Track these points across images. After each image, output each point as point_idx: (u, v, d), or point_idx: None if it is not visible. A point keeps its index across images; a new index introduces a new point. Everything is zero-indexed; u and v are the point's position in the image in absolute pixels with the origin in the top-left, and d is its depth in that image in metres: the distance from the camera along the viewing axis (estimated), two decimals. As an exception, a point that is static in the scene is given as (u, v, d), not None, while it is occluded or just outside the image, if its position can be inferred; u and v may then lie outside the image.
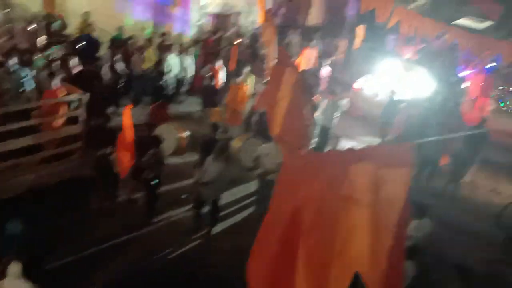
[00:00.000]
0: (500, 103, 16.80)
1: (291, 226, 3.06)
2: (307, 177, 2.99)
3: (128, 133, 7.52)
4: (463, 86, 15.99)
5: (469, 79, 16.77)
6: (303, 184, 3.01)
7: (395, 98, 12.18)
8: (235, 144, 10.52)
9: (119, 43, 12.98)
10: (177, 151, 9.96)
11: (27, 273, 5.36)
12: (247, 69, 12.34)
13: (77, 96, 8.22)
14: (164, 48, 13.25)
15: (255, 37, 15.54)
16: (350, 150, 2.87)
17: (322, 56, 16.04)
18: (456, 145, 10.45)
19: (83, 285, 6.73)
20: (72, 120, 8.64)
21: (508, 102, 16.84)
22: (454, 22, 20.99)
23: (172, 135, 9.86)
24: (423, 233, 7.38)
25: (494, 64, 17.14)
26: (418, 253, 6.66)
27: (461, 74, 16.71)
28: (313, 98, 10.73)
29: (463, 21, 22.20)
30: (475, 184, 11.57)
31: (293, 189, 3.10)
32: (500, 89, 17.68)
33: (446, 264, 8.28)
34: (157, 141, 8.34)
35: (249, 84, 12.06)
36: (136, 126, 8.31)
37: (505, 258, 9.18)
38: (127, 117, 7.51)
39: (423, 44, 18.41)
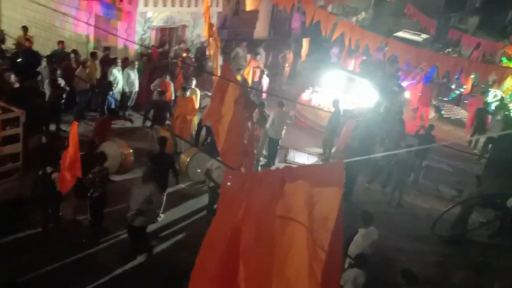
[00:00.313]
0: (441, 111, 17.59)
1: (231, 248, 3.05)
2: (246, 196, 3.00)
3: (74, 151, 7.26)
4: (404, 96, 16.63)
5: (409, 89, 17.48)
6: (242, 203, 3.01)
7: (340, 109, 12.48)
8: (184, 158, 10.43)
9: (60, 58, 12.60)
10: (122, 168, 9.70)
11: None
12: (193, 83, 12.29)
13: (15, 114, 7.88)
14: (108, 62, 12.98)
15: (201, 51, 15.53)
16: (286, 168, 2.91)
17: (268, 68, 16.25)
18: (401, 153, 10.83)
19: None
20: (10, 139, 8.28)
21: (443, 112, 17.65)
22: (394, 35, 21.89)
23: (116, 152, 9.61)
24: (370, 241, 7.56)
25: (431, 75, 17.97)
26: (365, 261, 6.81)
27: (401, 85, 17.38)
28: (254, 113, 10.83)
29: (402, 34, 23.20)
30: (420, 190, 12.01)
31: (232, 209, 3.10)
32: (439, 98, 18.54)
33: (394, 270, 8.50)
34: (101, 158, 8.13)
35: (196, 98, 12.00)
36: (79, 143, 8.07)
37: (447, 261, 9.57)
38: (73, 135, 7.27)
39: (364, 56, 19.04)
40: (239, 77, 13.46)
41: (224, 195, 3.35)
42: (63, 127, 11.54)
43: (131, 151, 10.05)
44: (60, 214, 8.31)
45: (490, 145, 14.06)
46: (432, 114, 16.57)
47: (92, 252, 7.91)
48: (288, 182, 2.79)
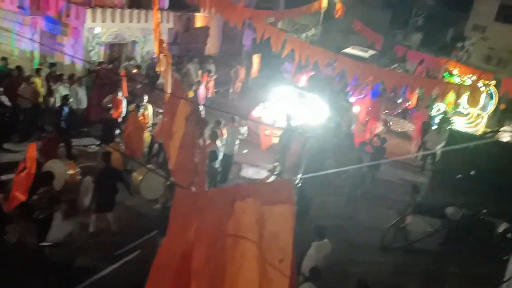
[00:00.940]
0: (389, 124, 18.12)
1: (182, 267, 2.99)
2: (196, 215, 2.96)
3: (30, 173, 6.98)
4: (353, 110, 17.04)
5: (357, 104, 17.95)
6: (192, 222, 2.97)
7: (292, 124, 12.62)
8: (136, 176, 10.19)
9: (3, 75, 12.10)
10: (67, 188, 9.34)
11: None
12: (145, 99, 12.11)
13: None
14: (54, 79, 12.58)
15: (151, 67, 15.36)
16: (236, 186, 2.89)
17: (220, 84, 16.27)
18: (351, 166, 11.04)
19: None
20: None
21: (390, 124, 18.18)
22: (342, 51, 22.50)
23: (62, 171, 9.27)
24: (323, 253, 7.62)
25: (377, 89, 18.55)
26: (319, 274, 6.85)
27: (350, 100, 17.83)
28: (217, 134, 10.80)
29: (350, 50, 23.88)
30: (371, 202, 12.25)
31: (183, 228, 3.04)
32: (386, 112, 19.12)
33: (347, 281, 8.60)
34: (48, 178, 7.81)
35: (147, 114, 11.81)
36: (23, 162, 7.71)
37: (399, 270, 9.79)
38: (31, 157, 6.97)
39: (313, 72, 19.42)
40: (191, 94, 13.39)
41: (175, 214, 3.29)
42: (6, 146, 11.05)
43: (78, 170, 9.73)
44: (4, 236, 7.88)
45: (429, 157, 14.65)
46: (380, 127, 17.04)
47: (36, 275, 7.53)
48: (239, 200, 2.77)
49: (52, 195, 7.73)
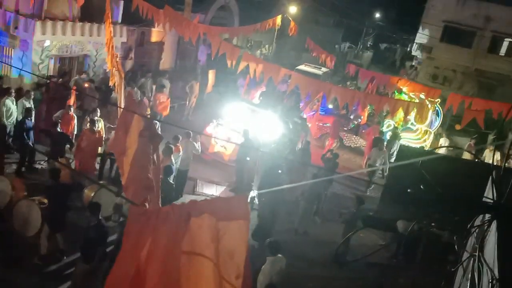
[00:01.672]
0: (342, 140, 18.50)
1: (137, 283, 2.92)
2: (150, 232, 2.90)
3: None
4: (306, 126, 17.31)
5: (309, 120, 18.29)
6: (146, 240, 2.91)
7: (245, 141, 12.67)
8: (88, 193, 9.88)
9: None
10: (11, 205, 8.93)
11: None
12: (97, 114, 11.83)
13: None
14: (0, 93, 12.09)
15: (104, 82, 15.07)
16: (191, 203, 2.88)
17: (175, 99, 16.16)
18: (308, 183, 11.18)
19: None
20: None
21: (343, 140, 18.59)
22: (296, 68, 22.89)
23: (7, 188, 8.88)
24: (278, 268, 7.63)
25: (330, 106, 18.97)
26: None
27: (304, 116, 18.12)
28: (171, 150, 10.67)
29: (304, 67, 24.34)
30: (324, 217, 12.41)
31: (136, 245, 2.98)
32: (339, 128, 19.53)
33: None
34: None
35: (100, 129, 11.54)
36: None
37: (351, 284, 9.93)
38: None
39: (264, 88, 19.64)
40: (148, 111, 13.22)
41: (128, 231, 3.20)
42: None
43: (24, 186, 9.35)
44: None
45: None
46: (334, 143, 17.40)
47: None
48: (194, 216, 2.75)
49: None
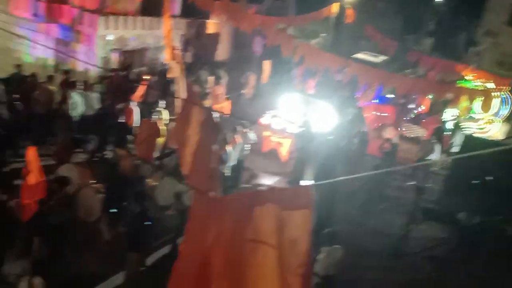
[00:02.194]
0: (401, 130, 18.04)
1: (202, 272, 3.02)
2: (215, 220, 2.99)
3: (36, 175, 7.01)
4: (363, 117, 17.00)
5: (367, 109, 17.93)
6: (211, 228, 3.00)
7: (306, 131, 12.63)
8: (150, 182, 10.25)
9: (18, 81, 12.28)
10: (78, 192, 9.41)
11: None
12: (159, 105, 12.20)
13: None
14: (67, 86, 12.73)
15: (163, 74, 15.47)
16: (255, 192, 2.94)
17: (231, 91, 16.34)
18: (366, 174, 11.02)
19: None
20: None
21: (404, 129, 18.10)
22: (352, 56, 22.45)
23: (74, 176, 9.33)
24: (334, 259, 7.60)
25: (391, 95, 18.48)
26: (331, 281, 6.82)
27: (361, 106, 17.79)
28: (229, 140, 10.81)
29: (361, 56, 23.83)
30: (383, 207, 12.17)
31: (201, 233, 3.07)
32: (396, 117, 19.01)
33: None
34: (63, 182, 7.87)
35: (161, 120, 11.90)
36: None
37: (411, 277, 9.71)
38: (32, 160, 7.01)
39: (320, 78, 19.42)
40: (207, 103, 13.47)
41: (192, 219, 3.32)
42: (21, 151, 11.17)
43: (89, 175, 9.81)
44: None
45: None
46: (392, 132, 17.00)
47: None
48: (258, 205, 2.80)
49: (67, 200, 7.81)
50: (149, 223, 7.47)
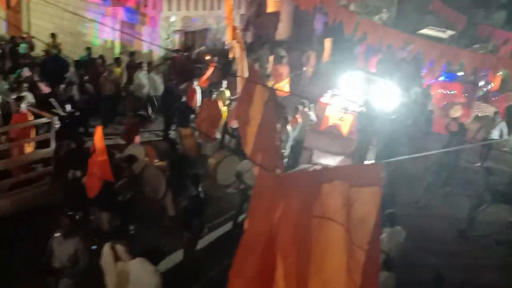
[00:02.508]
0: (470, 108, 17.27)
1: (268, 247, 3.08)
2: (281, 197, 3.03)
3: (101, 155, 7.35)
4: (429, 95, 16.39)
5: (435, 88, 17.25)
6: (277, 204, 3.04)
7: (368, 110, 12.37)
8: (212, 161, 10.48)
9: (87, 64, 12.86)
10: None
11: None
12: (221, 85, 12.38)
13: (46, 119, 8.07)
14: (133, 67, 13.18)
15: (224, 54, 15.63)
16: (323, 169, 2.94)
17: (291, 70, 16.25)
18: (435, 154, 10.69)
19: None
20: (41, 144, 8.50)
21: (472, 107, 17.30)
22: (418, 32, 21.58)
23: (141, 154, 9.72)
24: (396, 241, 7.48)
25: (461, 73, 17.66)
26: (394, 263, 6.71)
27: (426, 83, 17.16)
28: (290, 120, 10.79)
29: (427, 31, 22.84)
30: (448, 189, 11.79)
31: (268, 210, 3.13)
32: (466, 95, 18.18)
33: (423, 272, 8.39)
34: (131, 160, 8.23)
35: (223, 100, 12.07)
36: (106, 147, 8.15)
37: (476, 262, 9.39)
38: (99, 139, 7.37)
39: (382, 55, 18.84)
40: (270, 84, 13.46)
41: (257, 196, 3.38)
42: (91, 131, 11.75)
43: (156, 153, 10.17)
44: (90, 218, 8.43)
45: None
46: (459, 111, 16.32)
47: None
48: (325, 182, 2.82)
49: (134, 177, 8.17)
50: (207, 202, 7.65)
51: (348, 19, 15.31)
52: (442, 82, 17.37)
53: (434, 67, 17.35)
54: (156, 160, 10.03)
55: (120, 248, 5.88)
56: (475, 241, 9.97)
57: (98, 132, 7.39)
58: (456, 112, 16.46)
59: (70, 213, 6.26)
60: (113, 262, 5.78)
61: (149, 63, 13.32)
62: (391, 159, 3.24)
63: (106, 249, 5.93)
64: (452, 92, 17.02)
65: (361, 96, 13.70)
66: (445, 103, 16.90)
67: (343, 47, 21.24)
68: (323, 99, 14.45)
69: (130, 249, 5.96)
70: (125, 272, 5.76)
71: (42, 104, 9.86)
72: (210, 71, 13.66)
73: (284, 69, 15.35)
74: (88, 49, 13.78)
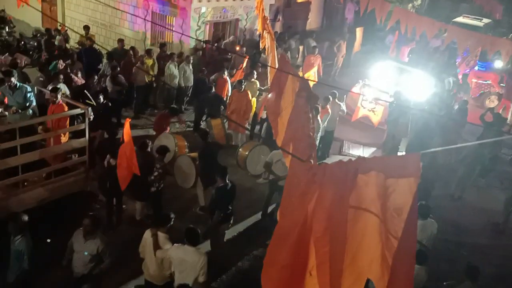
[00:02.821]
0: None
1: (302, 237, 3.10)
2: (315, 187, 3.03)
3: (129, 147, 7.48)
4: (464, 85, 16.03)
5: (470, 77, 16.83)
6: (311, 194, 3.05)
7: (401, 101, 12.17)
8: (242, 152, 10.54)
9: (120, 55, 13.05)
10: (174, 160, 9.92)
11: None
12: (251, 76, 12.39)
13: (81, 110, 8.26)
14: (164, 58, 13.30)
15: (254, 45, 15.61)
16: (358, 160, 2.92)
17: (322, 60, 16.10)
18: (470, 146, 10.46)
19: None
20: (76, 134, 8.72)
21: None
22: (453, 20, 21.04)
23: (172, 144, 9.85)
24: (428, 233, 7.39)
25: (495, 62, 17.15)
26: (426, 257, 6.61)
27: (461, 73, 16.75)
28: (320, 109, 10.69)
29: (461, 19, 22.24)
30: (484, 181, 11.52)
31: (301, 200, 3.14)
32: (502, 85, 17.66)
33: (456, 264, 8.27)
34: (163, 151, 8.35)
35: (252, 91, 12.08)
36: (138, 138, 8.27)
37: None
38: (127, 131, 7.50)
39: (415, 44, 18.45)
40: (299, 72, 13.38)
41: (290, 187, 3.38)
42: (123, 122, 11.95)
43: (186, 143, 10.29)
44: (123, 206, 8.62)
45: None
46: (495, 102, 15.90)
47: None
48: (361, 173, 2.80)
49: (165, 168, 8.28)
50: (235, 192, 7.69)
51: (380, 7, 14.97)
52: (477, 72, 16.94)
53: (469, 56, 16.91)
54: (187, 151, 10.17)
55: (162, 235, 6.01)
56: (510, 235, 9.74)
57: (127, 125, 7.51)
58: (492, 102, 16.04)
59: (91, 213, 6.35)
60: (153, 249, 5.94)
61: (180, 54, 13.42)
62: (427, 150, 3.15)
63: (147, 236, 6.07)
64: (487, 82, 16.59)
65: (392, 87, 13.49)
66: (480, 92, 16.50)
67: (375, 37, 20.90)
68: (354, 90, 14.28)
69: (170, 236, 6.09)
70: (167, 259, 5.94)
71: (76, 95, 10.09)
72: (245, 62, 13.66)
73: (316, 60, 15.21)
74: (120, 40, 13.97)
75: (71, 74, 11.34)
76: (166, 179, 8.40)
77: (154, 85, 13.34)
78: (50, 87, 9.51)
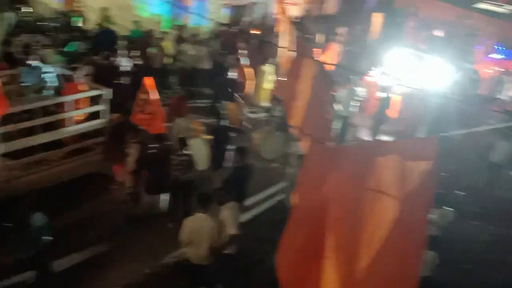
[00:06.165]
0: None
1: (318, 219, 3.11)
2: (333, 170, 3.03)
3: (155, 101, 7.51)
4: (483, 72, 15.71)
5: (490, 65, 16.51)
6: (328, 177, 3.05)
7: (414, 90, 12.03)
8: (256, 136, 10.54)
9: (137, 37, 13.07)
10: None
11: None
12: (267, 60, 12.32)
13: (99, 91, 8.32)
14: (181, 41, 13.29)
15: (271, 28, 15.49)
16: (376, 142, 2.92)
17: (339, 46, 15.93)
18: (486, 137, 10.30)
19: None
20: (94, 115, 8.80)
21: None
22: (473, 6, 20.59)
23: (187, 128, 9.87)
24: (445, 222, 7.35)
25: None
26: (439, 242, 6.60)
27: (481, 60, 16.43)
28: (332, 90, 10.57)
29: (483, 5, 21.74)
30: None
31: (319, 182, 3.14)
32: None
33: (468, 254, 8.23)
34: (182, 143, 8.31)
35: (268, 75, 12.02)
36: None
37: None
38: (151, 84, 7.53)
39: (432, 31, 18.11)
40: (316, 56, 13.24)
41: (308, 168, 3.38)
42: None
43: (201, 126, 10.30)
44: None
45: None
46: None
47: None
48: (380, 155, 2.80)
49: (187, 160, 8.20)
50: (251, 174, 7.69)
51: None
52: (498, 60, 16.61)
53: (489, 43, 16.58)
54: (203, 133, 10.18)
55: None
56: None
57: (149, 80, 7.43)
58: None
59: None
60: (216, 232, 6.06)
61: (197, 37, 13.38)
62: (445, 133, 3.11)
63: (200, 222, 6.08)
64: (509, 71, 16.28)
65: (410, 74, 13.29)
66: (499, 80, 16.17)
67: (393, 23, 20.53)
68: (371, 76, 14.12)
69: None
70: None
71: (95, 76, 10.15)
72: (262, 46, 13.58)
73: (334, 45, 15.06)
74: (137, 23, 13.96)
75: (90, 55, 11.39)
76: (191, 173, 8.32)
77: (171, 67, 13.34)
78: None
